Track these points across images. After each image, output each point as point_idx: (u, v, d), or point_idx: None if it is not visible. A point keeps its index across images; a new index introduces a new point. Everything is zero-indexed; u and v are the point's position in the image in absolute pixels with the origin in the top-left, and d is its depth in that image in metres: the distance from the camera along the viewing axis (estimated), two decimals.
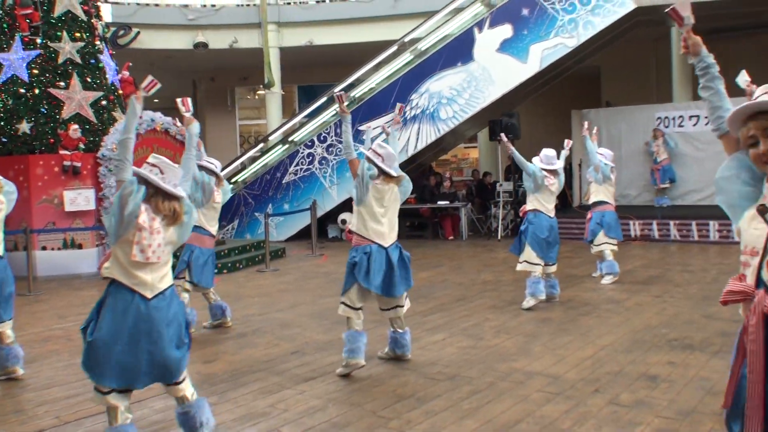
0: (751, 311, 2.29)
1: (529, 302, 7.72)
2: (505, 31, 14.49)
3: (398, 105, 6.65)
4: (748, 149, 2.36)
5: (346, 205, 15.08)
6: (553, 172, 7.85)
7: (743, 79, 4.03)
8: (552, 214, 7.91)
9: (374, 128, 14.15)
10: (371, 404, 4.87)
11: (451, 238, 15.66)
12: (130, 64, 13.70)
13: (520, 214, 8.49)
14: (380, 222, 5.63)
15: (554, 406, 4.70)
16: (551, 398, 4.85)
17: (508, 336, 6.62)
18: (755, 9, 14.66)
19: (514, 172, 14.94)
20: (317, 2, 18.92)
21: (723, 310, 6.65)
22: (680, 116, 15.25)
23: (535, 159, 7.92)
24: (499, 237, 14.81)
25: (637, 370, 5.42)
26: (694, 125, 14.96)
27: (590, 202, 9.43)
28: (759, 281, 2.31)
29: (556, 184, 7.85)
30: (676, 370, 5.38)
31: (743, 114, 2.35)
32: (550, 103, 19.95)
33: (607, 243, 9.18)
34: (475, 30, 14.76)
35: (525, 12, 14.39)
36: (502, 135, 8.74)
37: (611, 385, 5.09)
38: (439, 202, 15.73)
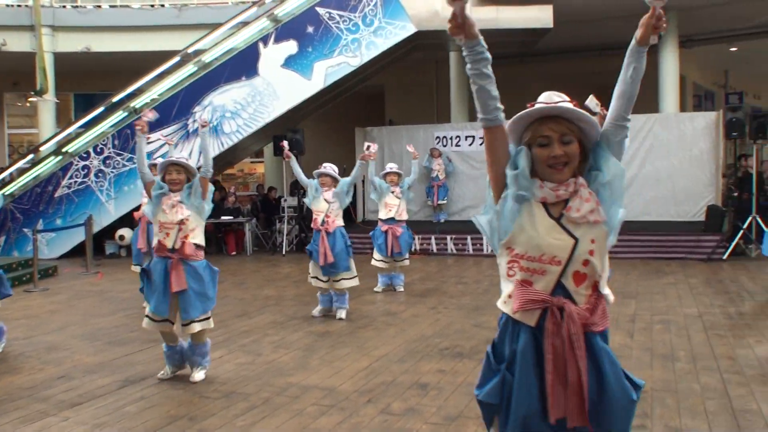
0: (569, 319, 2.35)
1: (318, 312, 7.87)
2: (290, 47, 14.54)
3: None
4: (529, 148, 2.43)
5: (125, 221, 14.41)
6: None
7: (593, 102, 4.24)
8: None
9: (155, 140, 13.70)
10: (142, 427, 4.65)
11: (235, 253, 15.42)
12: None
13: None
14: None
15: (328, 418, 4.73)
16: (325, 411, 4.88)
17: (286, 351, 6.59)
18: (529, 39, 15.74)
19: (299, 187, 14.99)
20: (96, 7, 17.97)
21: (491, 319, 7.02)
22: (457, 136, 16.08)
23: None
24: (283, 252, 14.78)
25: (410, 379, 5.58)
26: (470, 145, 15.83)
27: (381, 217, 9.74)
28: (556, 289, 2.39)
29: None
30: (445, 377, 5.60)
31: (536, 115, 2.42)
32: (336, 120, 20.28)
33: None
34: (261, 45, 14.68)
35: (310, 29, 14.52)
36: (284, 143, 8.72)
37: (384, 394, 5.20)
38: (223, 218, 15.45)
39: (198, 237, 5.63)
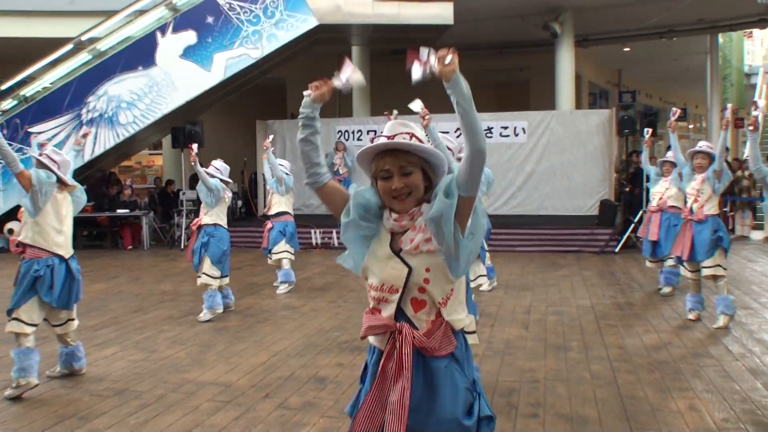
0: (403, 342, 2.44)
1: (206, 315, 7.59)
2: (189, 37, 14.21)
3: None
4: (376, 182, 2.51)
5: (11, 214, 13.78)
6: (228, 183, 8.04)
7: (418, 105, 4.25)
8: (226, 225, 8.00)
9: (49, 129, 13.17)
10: (28, 428, 4.47)
11: (131, 247, 14.99)
12: None
13: (192, 228, 8.32)
14: (60, 233, 5.42)
15: (224, 414, 4.66)
16: (221, 407, 4.80)
17: (182, 347, 6.45)
18: (430, 35, 15.88)
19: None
20: None
21: None
22: (359, 130, 16.09)
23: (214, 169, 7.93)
24: (182, 246, 14.45)
25: (308, 373, 5.55)
26: (372, 139, 15.81)
27: (272, 212, 9.50)
28: (399, 316, 2.48)
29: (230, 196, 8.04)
30: (343, 371, 5.59)
31: (376, 150, 2.49)
32: (237, 112, 19.98)
33: (286, 252, 9.34)
34: (158, 34, 14.28)
35: (210, 20, 14.23)
36: (194, 146, 8.43)
37: (281, 389, 5.16)
38: (119, 211, 14.98)
39: (23, 233, 5.41)
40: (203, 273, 7.74)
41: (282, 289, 9.26)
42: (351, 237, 2.52)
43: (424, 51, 2.42)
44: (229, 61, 14.22)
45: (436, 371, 2.46)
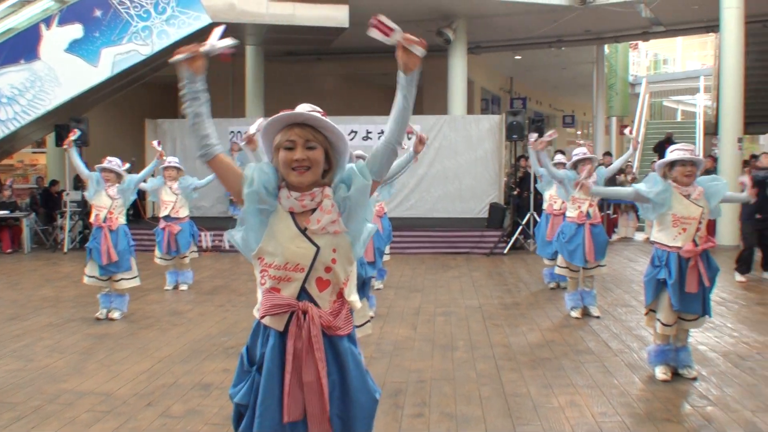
0: (310, 321, 2.46)
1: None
2: (75, 30, 13.71)
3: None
4: (277, 153, 2.52)
5: None
6: None
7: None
8: None
9: None
10: None
11: (10, 251, 14.31)
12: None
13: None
14: None
15: (104, 424, 4.49)
16: (101, 417, 4.62)
17: (61, 355, 6.18)
18: (325, 37, 15.85)
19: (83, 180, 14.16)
20: None
21: None
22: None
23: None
24: (65, 250, 13.91)
25: (192, 379, 5.42)
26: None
27: (181, 215, 9.29)
28: (301, 295, 2.50)
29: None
30: (229, 376, 5.42)
31: (286, 121, 2.51)
32: (126, 110, 19.41)
33: (193, 252, 9.46)
34: (43, 26, 13.72)
35: (97, 13, 13.77)
36: (75, 131, 8.10)
37: (165, 397, 5.01)
38: None
39: None
40: (90, 276, 7.55)
41: (186, 287, 9.36)
42: (250, 210, 2.50)
43: (390, 23, 2.41)
44: (117, 57, 13.80)
45: (340, 350, 2.53)
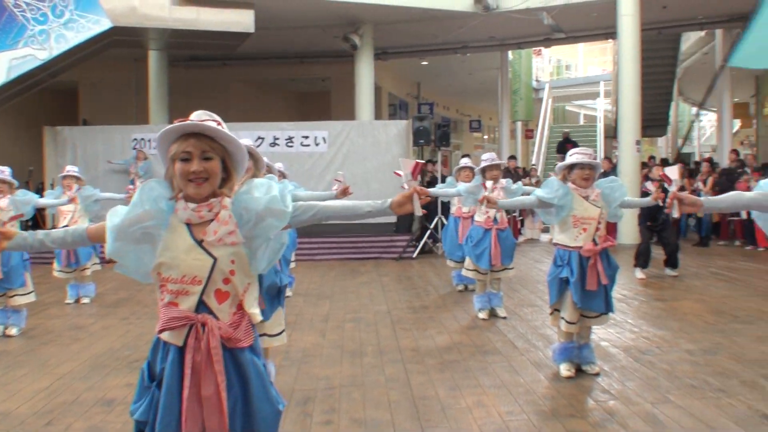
0: (209, 334, 2.43)
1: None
2: None
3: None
4: (173, 163, 2.48)
5: None
6: None
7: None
8: None
9: None
10: None
11: None
12: None
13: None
14: None
15: None
16: None
17: None
18: (231, 42, 15.67)
19: None
20: None
21: None
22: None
23: None
24: None
25: (95, 395, 5.24)
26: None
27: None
28: (200, 308, 2.46)
29: None
30: (133, 391, 5.29)
31: (181, 131, 2.48)
32: (24, 117, 18.70)
33: (95, 264, 9.18)
34: None
35: None
36: None
37: (65, 415, 4.83)
38: None
39: None
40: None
41: (88, 300, 9.10)
42: (132, 236, 2.48)
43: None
44: (13, 62, 13.29)
45: (242, 362, 2.50)
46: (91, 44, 14.10)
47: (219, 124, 2.52)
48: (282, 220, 2.49)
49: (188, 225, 2.47)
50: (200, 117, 2.51)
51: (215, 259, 2.45)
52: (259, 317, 2.61)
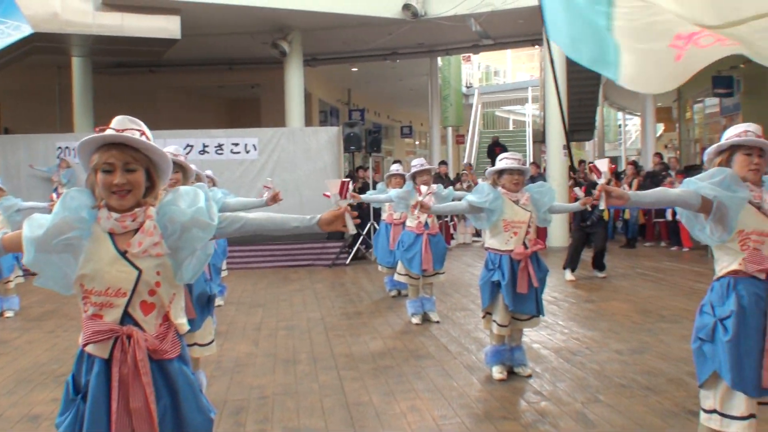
0: (135, 346, 2.38)
1: None
2: None
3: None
4: (95, 173, 2.43)
5: None
6: None
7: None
8: None
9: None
10: None
11: None
12: None
13: None
14: None
15: None
16: None
17: None
18: (157, 48, 15.41)
19: None
20: None
21: None
22: None
23: None
24: None
25: (19, 411, 5.08)
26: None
27: None
28: (125, 320, 2.42)
29: None
30: (59, 407, 5.16)
31: (102, 141, 2.43)
32: None
33: (19, 277, 8.94)
34: None
35: None
36: None
37: None
38: None
39: None
40: None
41: (11, 313, 8.80)
42: (54, 247, 2.39)
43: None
44: None
45: (171, 373, 2.46)
46: (12, 50, 13.67)
47: (143, 132, 2.47)
48: (207, 232, 2.47)
49: (111, 235, 2.42)
50: (123, 123, 2.46)
51: (140, 271, 2.41)
52: (186, 327, 2.58)
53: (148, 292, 2.43)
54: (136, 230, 2.42)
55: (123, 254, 2.40)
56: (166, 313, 2.50)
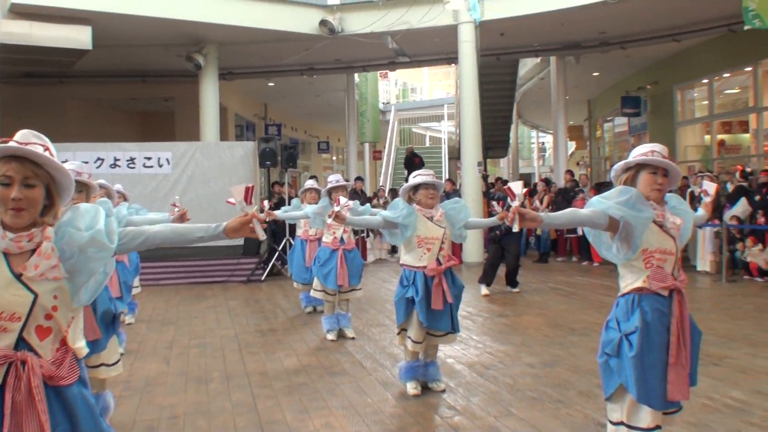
0: (30, 372, 2.27)
1: None
2: None
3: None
4: (1, 188, 2.31)
5: None
6: None
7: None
8: None
9: None
10: None
11: None
12: None
13: None
14: None
15: None
16: None
17: None
18: (67, 59, 14.99)
19: None
20: None
21: None
22: None
23: None
24: None
25: None
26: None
27: None
28: (20, 345, 2.30)
29: None
30: None
31: (2, 153, 2.32)
32: None
33: None
34: None
35: None
36: None
37: None
38: None
39: None
40: None
41: None
42: None
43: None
44: None
45: (69, 399, 2.35)
46: None
47: (46, 148, 2.38)
48: (105, 254, 2.39)
49: (6, 255, 2.31)
50: (26, 138, 2.36)
51: (36, 295, 2.30)
52: (84, 351, 2.48)
53: (44, 317, 2.33)
54: (33, 251, 2.32)
55: (18, 277, 2.29)
56: (63, 337, 2.39)
